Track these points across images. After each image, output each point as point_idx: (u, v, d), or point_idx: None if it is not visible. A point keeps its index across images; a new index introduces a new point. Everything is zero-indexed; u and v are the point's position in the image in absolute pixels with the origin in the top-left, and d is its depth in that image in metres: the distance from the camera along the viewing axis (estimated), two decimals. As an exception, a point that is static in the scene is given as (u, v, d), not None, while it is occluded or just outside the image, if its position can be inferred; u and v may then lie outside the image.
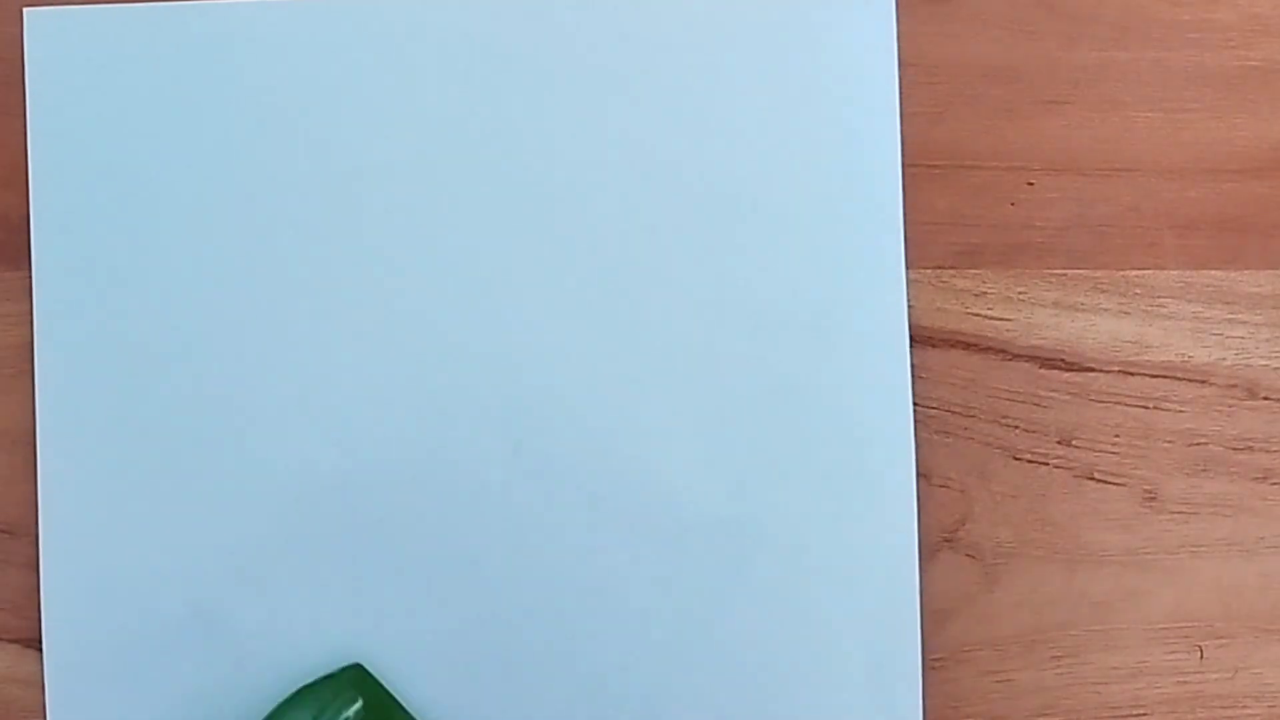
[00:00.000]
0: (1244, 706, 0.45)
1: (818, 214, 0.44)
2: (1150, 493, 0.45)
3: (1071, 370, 0.45)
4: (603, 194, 0.44)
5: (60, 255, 0.43)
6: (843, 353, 0.44)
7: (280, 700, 0.41)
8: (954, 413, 0.45)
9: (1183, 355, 0.46)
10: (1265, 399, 0.46)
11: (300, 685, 0.41)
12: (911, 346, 0.45)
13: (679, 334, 0.44)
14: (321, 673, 0.42)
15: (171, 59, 0.43)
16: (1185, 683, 0.45)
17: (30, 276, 0.43)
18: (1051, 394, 0.45)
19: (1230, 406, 0.46)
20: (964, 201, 0.45)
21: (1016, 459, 0.45)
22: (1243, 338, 0.46)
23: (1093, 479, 0.45)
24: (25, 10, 0.44)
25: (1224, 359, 0.46)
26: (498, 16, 0.43)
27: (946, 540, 0.45)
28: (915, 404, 0.45)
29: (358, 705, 0.41)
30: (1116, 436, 0.45)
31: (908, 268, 0.45)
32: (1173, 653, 0.45)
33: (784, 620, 0.44)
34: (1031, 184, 0.45)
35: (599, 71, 0.44)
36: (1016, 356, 0.45)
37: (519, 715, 0.43)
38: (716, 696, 0.42)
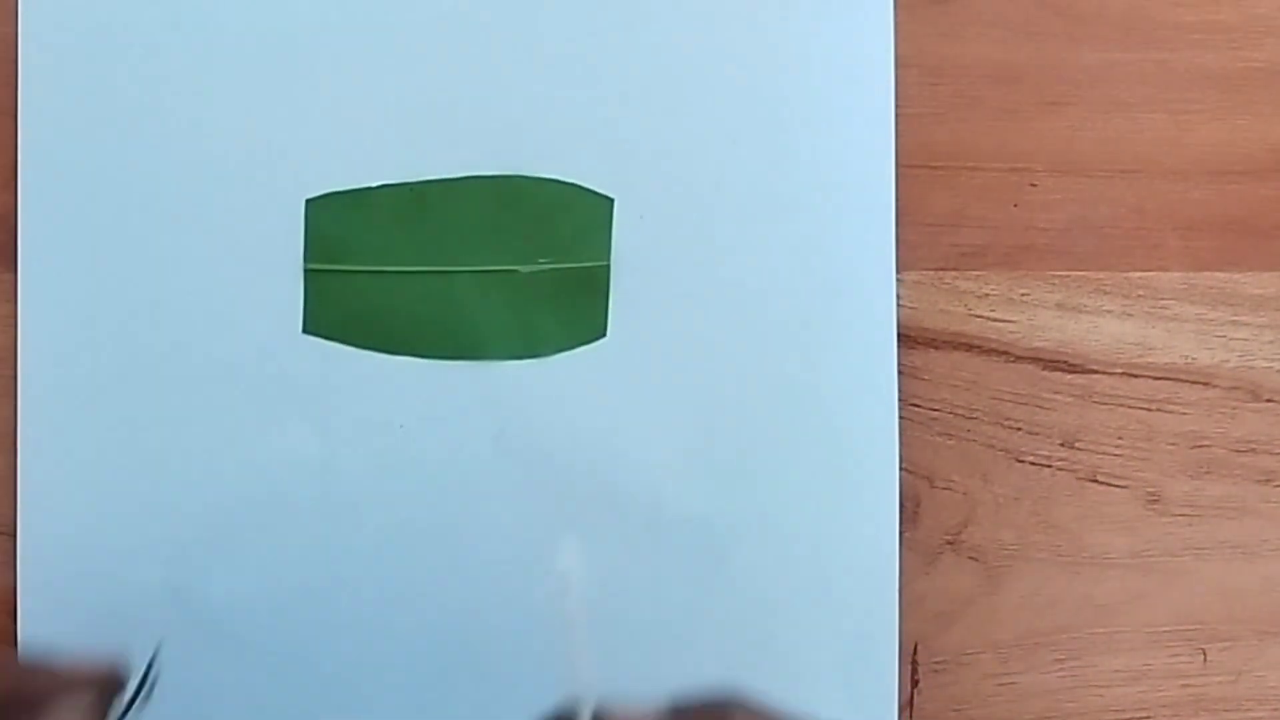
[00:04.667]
0: (1247, 709, 0.45)
1: (810, 211, 0.44)
2: (1153, 495, 0.45)
3: (1074, 372, 0.45)
4: (594, 180, 0.44)
5: (47, 257, 0.42)
6: (830, 350, 0.44)
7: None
8: (956, 415, 0.45)
9: (1186, 357, 0.46)
10: (1268, 401, 0.46)
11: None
12: (914, 348, 0.45)
13: (664, 327, 0.43)
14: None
15: (170, 46, 0.43)
16: (1188, 685, 0.45)
17: (16, 279, 0.43)
18: (1054, 396, 0.45)
19: (1233, 409, 0.46)
20: (966, 203, 0.45)
21: (1019, 461, 0.45)
22: (1246, 340, 0.46)
23: (1095, 481, 0.45)
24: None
25: (1227, 361, 0.46)
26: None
27: (949, 543, 0.45)
28: (918, 406, 0.45)
29: None
30: (1119, 439, 0.45)
31: (910, 269, 0.45)
32: (1176, 655, 0.45)
33: (761, 617, 0.43)
34: (1034, 185, 0.45)
35: (591, 58, 0.43)
36: (1019, 358, 0.45)
37: (487, 698, 0.43)
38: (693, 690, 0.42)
